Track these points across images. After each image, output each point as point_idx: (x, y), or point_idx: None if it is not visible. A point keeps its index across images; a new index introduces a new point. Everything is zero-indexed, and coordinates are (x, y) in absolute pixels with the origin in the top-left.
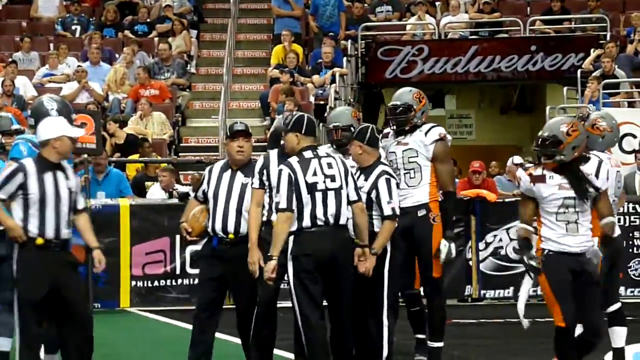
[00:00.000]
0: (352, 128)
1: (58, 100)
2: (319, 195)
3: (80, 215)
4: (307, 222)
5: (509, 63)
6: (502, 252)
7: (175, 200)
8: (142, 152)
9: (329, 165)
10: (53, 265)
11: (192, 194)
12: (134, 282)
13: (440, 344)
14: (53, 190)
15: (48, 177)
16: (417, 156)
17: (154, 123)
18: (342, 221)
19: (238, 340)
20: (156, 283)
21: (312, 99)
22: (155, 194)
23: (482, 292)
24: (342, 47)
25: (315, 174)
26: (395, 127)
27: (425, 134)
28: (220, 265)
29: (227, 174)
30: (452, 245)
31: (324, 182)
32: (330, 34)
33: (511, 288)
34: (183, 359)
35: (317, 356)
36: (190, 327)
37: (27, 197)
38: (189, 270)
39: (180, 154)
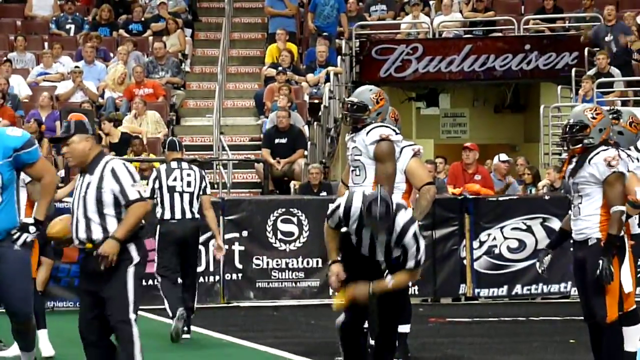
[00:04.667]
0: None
1: None
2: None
3: None
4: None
5: (503, 62)
6: (497, 250)
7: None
8: (133, 150)
9: (188, 175)
10: None
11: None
12: None
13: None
14: None
15: None
16: (361, 155)
17: (148, 122)
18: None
19: (230, 338)
20: (150, 282)
21: (306, 97)
22: None
23: (477, 290)
24: (337, 46)
25: (175, 179)
26: (349, 123)
27: (367, 133)
28: None
29: None
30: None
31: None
32: (325, 33)
33: (505, 287)
34: (176, 356)
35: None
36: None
37: None
38: None
39: None
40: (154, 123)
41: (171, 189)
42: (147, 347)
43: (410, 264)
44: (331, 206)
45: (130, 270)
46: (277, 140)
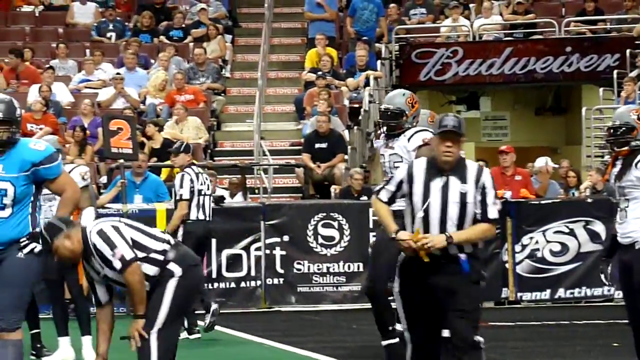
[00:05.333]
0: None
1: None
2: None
3: None
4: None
5: (544, 64)
6: (539, 254)
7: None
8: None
9: (206, 178)
10: None
11: (227, 198)
12: None
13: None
14: None
15: None
16: (402, 161)
17: (189, 128)
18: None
19: (272, 343)
20: None
21: (346, 102)
22: None
23: (519, 294)
24: (376, 50)
25: (201, 183)
26: (385, 130)
27: (409, 139)
28: None
29: None
30: None
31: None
32: (364, 38)
33: (548, 290)
34: None
35: None
36: (226, 330)
37: None
38: (225, 274)
39: (215, 158)
40: (195, 129)
41: (199, 192)
42: (187, 353)
43: (492, 212)
44: (381, 184)
45: (171, 284)
46: (317, 145)
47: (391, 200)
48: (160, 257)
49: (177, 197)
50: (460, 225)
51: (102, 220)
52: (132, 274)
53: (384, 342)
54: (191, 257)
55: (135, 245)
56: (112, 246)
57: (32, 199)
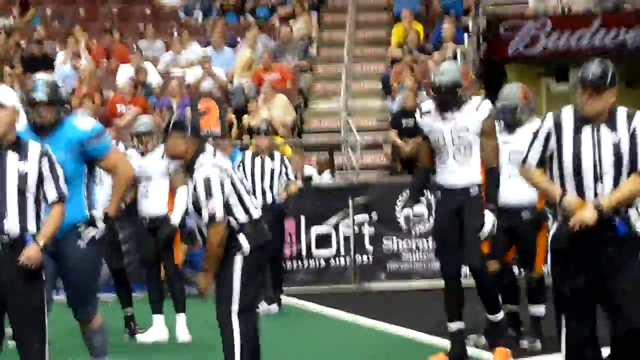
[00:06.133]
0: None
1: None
2: None
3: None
4: None
5: (634, 35)
6: None
7: (298, 182)
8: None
9: None
10: None
11: (315, 176)
12: None
13: (500, 315)
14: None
15: None
16: (468, 132)
17: (277, 106)
18: None
19: (364, 320)
20: (282, 265)
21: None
22: None
23: None
24: (463, 25)
25: None
26: (441, 105)
27: (477, 108)
28: None
29: None
30: (494, 219)
31: None
32: (451, 12)
33: None
34: (306, 338)
35: None
36: (317, 306)
37: None
38: (315, 252)
39: (303, 137)
40: (282, 107)
41: None
42: (279, 327)
43: None
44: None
45: (238, 259)
46: (404, 121)
47: (540, 164)
48: (236, 227)
49: (292, 177)
50: (616, 181)
51: (214, 165)
52: (216, 233)
53: (491, 317)
54: (264, 236)
55: (226, 207)
56: (209, 195)
57: (85, 180)
